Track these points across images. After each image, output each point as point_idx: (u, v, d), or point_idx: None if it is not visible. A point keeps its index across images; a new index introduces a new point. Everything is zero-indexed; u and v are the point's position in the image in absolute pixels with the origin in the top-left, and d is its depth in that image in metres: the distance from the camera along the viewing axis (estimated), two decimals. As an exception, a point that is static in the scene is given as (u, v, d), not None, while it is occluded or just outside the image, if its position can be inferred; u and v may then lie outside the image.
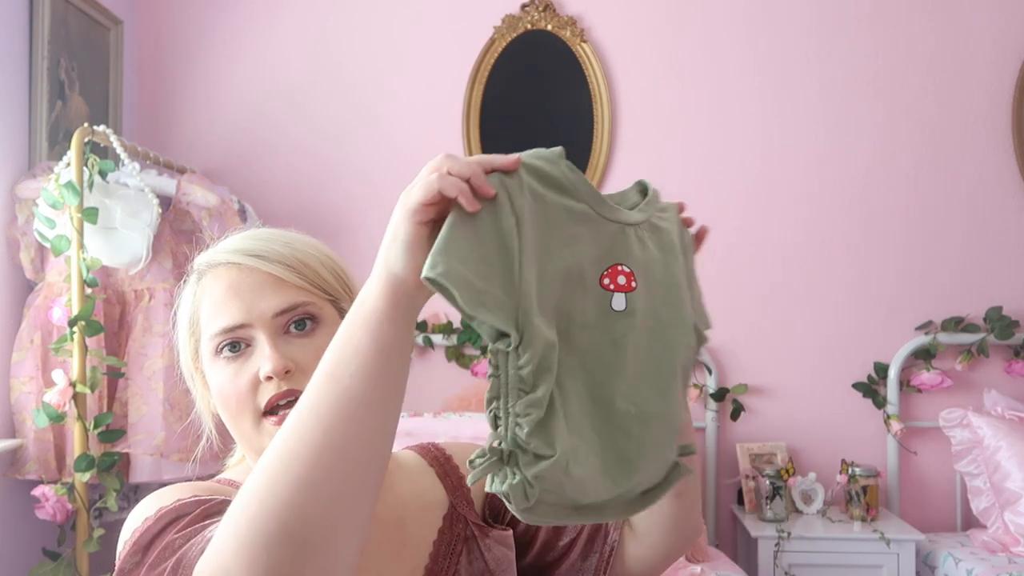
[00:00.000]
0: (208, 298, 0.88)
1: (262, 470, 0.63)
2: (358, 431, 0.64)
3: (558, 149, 0.74)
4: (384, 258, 0.69)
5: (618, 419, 0.74)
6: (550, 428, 0.68)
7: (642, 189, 0.82)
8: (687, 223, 0.84)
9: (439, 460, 1.02)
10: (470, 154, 2.93)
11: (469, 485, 0.97)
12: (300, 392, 0.79)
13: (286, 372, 0.85)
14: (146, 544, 0.78)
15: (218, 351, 0.87)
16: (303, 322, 0.88)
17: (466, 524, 0.96)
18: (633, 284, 0.75)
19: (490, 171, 0.68)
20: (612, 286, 0.74)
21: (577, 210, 0.73)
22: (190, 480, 0.92)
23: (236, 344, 0.86)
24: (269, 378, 0.85)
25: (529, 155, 0.72)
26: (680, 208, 0.85)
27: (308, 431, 0.63)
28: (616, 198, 0.79)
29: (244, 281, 0.87)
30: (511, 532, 0.98)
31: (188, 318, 0.91)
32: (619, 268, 0.75)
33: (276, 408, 0.85)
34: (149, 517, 0.80)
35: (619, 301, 0.74)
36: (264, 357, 0.85)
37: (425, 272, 0.65)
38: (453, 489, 0.99)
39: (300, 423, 0.64)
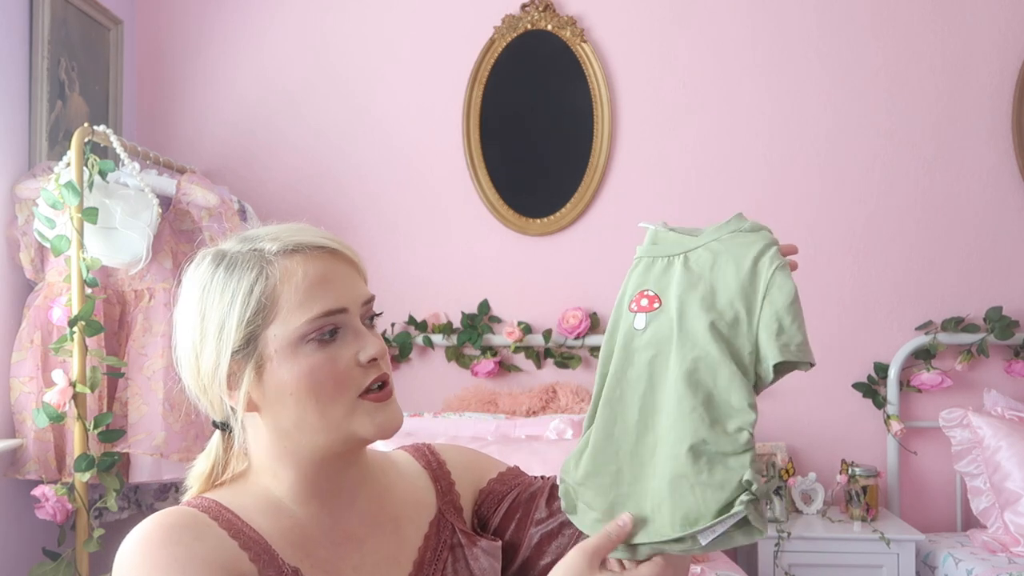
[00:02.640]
0: (294, 282, 0.84)
1: None
2: None
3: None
4: None
5: (621, 432, 0.83)
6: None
7: (732, 218, 0.89)
8: (786, 250, 0.86)
9: (432, 464, 1.01)
10: (470, 156, 2.93)
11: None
12: (388, 376, 0.88)
13: (384, 356, 0.88)
14: None
15: (310, 336, 0.84)
16: (373, 315, 0.91)
17: (453, 531, 0.95)
18: (656, 305, 0.85)
19: None
20: (635, 308, 0.86)
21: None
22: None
23: (335, 329, 0.86)
24: (372, 360, 0.86)
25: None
26: (787, 250, 0.87)
27: None
28: (705, 230, 0.89)
29: (338, 267, 0.88)
30: (500, 543, 0.97)
31: (255, 300, 0.84)
32: (644, 292, 0.87)
33: (369, 390, 0.87)
34: None
35: (639, 321, 0.86)
36: (368, 341, 0.87)
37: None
38: (443, 494, 0.98)
39: None
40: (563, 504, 0.84)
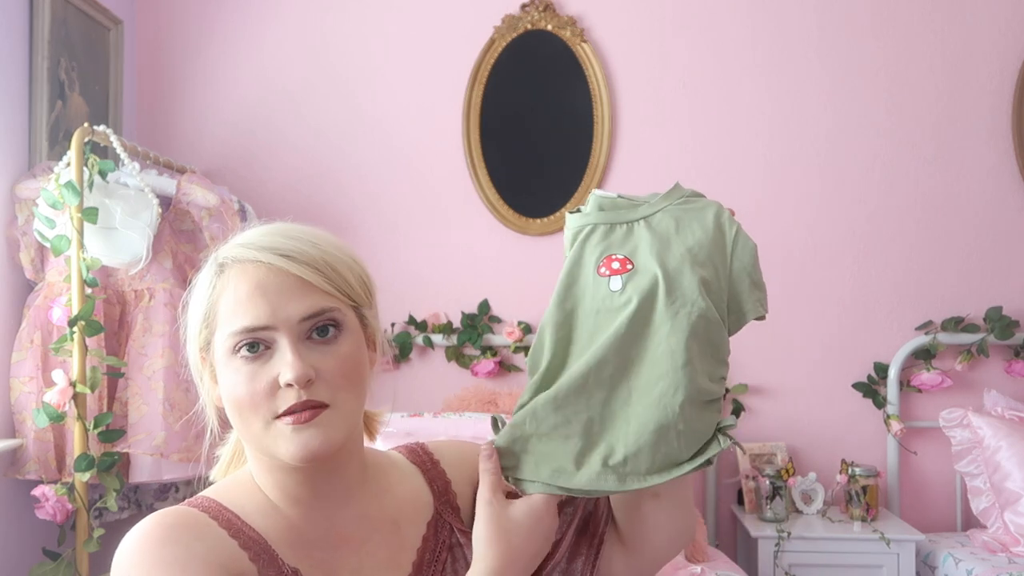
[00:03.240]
0: (231, 293, 0.85)
1: None
2: None
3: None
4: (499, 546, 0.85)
5: (595, 383, 0.87)
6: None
7: (674, 187, 0.97)
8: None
9: (426, 464, 1.00)
10: (470, 156, 2.93)
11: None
12: (318, 403, 0.83)
13: (308, 382, 0.82)
14: None
15: (236, 350, 0.84)
16: (326, 328, 0.85)
17: (451, 531, 0.95)
18: (629, 267, 0.90)
19: None
20: (607, 271, 0.91)
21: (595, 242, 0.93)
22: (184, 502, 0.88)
23: (255, 345, 0.83)
24: (290, 385, 0.82)
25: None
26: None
27: None
28: (647, 198, 0.95)
29: (272, 281, 0.84)
30: None
31: (204, 309, 0.87)
32: (613, 257, 0.91)
33: (290, 411, 0.83)
34: None
35: (615, 283, 0.90)
36: (286, 364, 0.82)
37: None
38: (439, 494, 0.97)
39: None
40: (503, 460, 0.89)
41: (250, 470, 0.91)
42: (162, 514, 0.84)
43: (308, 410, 0.82)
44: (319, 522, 0.89)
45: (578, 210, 0.96)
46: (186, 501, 0.89)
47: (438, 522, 0.95)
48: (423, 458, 1.01)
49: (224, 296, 0.85)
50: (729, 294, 0.89)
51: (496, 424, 0.92)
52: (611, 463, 0.84)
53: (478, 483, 0.91)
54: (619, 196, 0.95)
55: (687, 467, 0.84)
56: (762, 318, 0.91)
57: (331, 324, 0.85)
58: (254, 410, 0.83)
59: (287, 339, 0.83)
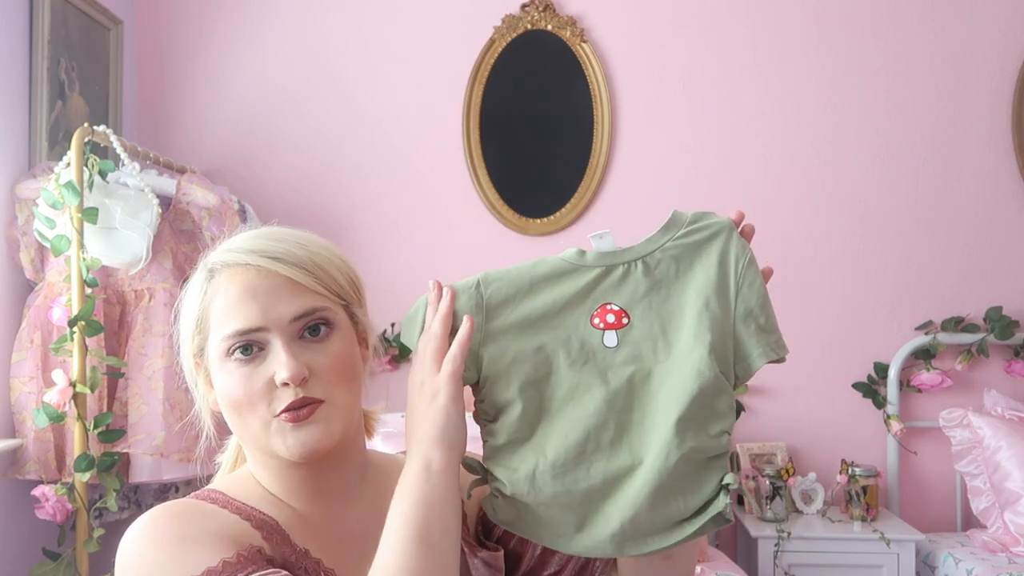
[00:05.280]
0: (221, 298, 0.86)
1: None
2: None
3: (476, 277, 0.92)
4: (432, 424, 0.81)
5: (594, 449, 0.81)
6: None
7: (671, 218, 0.87)
8: (744, 233, 0.86)
9: None
10: (470, 156, 2.93)
11: None
12: (314, 399, 0.84)
13: (303, 379, 0.83)
14: None
15: (229, 353, 0.85)
16: (318, 327, 0.86)
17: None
18: (624, 320, 0.84)
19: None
20: (601, 324, 0.84)
21: (541, 286, 0.86)
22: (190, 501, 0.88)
23: (249, 347, 0.84)
24: (285, 384, 0.83)
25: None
26: (737, 220, 0.86)
27: None
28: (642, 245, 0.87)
29: (261, 283, 0.85)
30: (502, 553, 0.95)
31: (195, 315, 0.89)
32: (608, 308, 0.84)
33: (289, 407, 0.84)
34: None
35: (610, 338, 0.84)
36: (280, 363, 0.83)
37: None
38: None
39: None
40: (500, 514, 0.84)
41: (250, 469, 0.92)
42: (168, 504, 0.85)
43: (305, 407, 0.84)
44: (321, 516, 0.90)
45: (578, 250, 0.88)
46: (191, 495, 0.90)
47: None
48: None
49: (215, 301, 0.87)
50: (734, 339, 0.83)
51: (474, 468, 0.85)
52: (611, 530, 0.80)
53: (485, 494, 0.91)
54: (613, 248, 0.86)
55: (688, 529, 0.80)
56: (779, 361, 0.85)
57: (322, 323, 0.87)
58: (252, 410, 0.84)
59: (280, 339, 0.84)
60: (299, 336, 0.86)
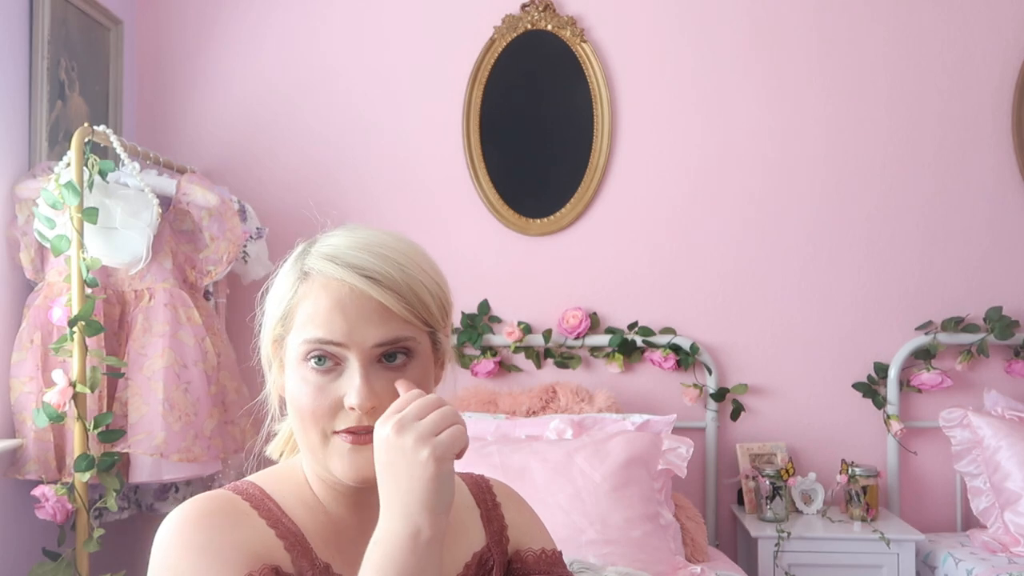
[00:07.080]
0: (311, 303, 0.86)
1: None
2: None
3: None
4: (424, 495, 0.78)
5: None
6: None
7: None
8: None
9: (487, 503, 1.02)
10: (470, 156, 2.93)
11: None
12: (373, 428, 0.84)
13: (371, 408, 0.83)
14: None
15: (306, 357, 0.85)
16: (395, 355, 0.86)
17: (491, 571, 0.97)
18: None
19: None
20: None
21: None
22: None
23: (324, 358, 0.85)
24: (353, 408, 0.84)
25: None
26: None
27: None
28: None
29: (352, 302, 0.84)
30: None
31: (283, 309, 0.89)
32: None
33: (350, 430, 0.85)
34: None
35: None
36: (353, 388, 0.83)
37: None
38: (494, 535, 0.99)
39: None
40: None
41: (301, 462, 0.93)
42: (202, 498, 0.87)
43: (368, 432, 0.84)
44: (355, 527, 0.91)
45: None
46: (231, 484, 0.92)
47: (485, 556, 0.97)
48: (485, 496, 1.03)
49: (304, 303, 0.87)
50: None
51: None
52: None
53: (520, 548, 0.93)
54: None
55: None
56: None
57: (403, 352, 0.86)
58: (314, 423, 0.85)
59: (357, 360, 0.84)
60: (377, 360, 0.85)
